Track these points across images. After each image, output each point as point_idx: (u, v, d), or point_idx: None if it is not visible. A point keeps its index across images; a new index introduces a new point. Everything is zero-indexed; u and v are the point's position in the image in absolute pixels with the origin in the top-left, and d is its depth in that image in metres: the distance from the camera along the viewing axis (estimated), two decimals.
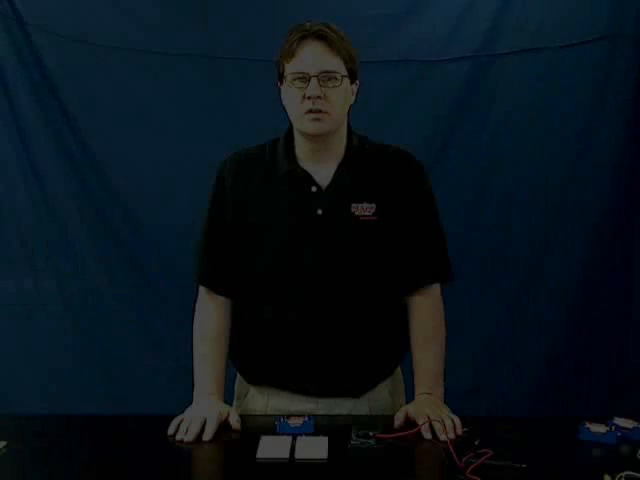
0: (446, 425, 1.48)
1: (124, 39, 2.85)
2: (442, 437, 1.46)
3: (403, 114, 2.90)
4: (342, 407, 1.66)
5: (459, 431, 1.49)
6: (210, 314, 1.70)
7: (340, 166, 1.63)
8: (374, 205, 1.61)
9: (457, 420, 1.52)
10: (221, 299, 1.70)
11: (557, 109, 2.86)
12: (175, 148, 2.88)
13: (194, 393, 1.64)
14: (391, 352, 1.74)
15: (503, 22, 2.86)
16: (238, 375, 1.79)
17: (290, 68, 1.55)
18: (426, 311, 1.69)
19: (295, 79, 1.54)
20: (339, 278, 1.62)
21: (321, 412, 1.64)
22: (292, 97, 1.56)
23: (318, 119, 1.54)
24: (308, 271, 1.62)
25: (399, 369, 1.80)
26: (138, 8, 2.87)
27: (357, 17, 2.84)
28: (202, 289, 1.72)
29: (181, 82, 2.90)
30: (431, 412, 1.53)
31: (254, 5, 2.87)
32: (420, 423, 1.50)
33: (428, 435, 1.48)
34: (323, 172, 1.63)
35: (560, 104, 2.86)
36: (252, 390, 1.74)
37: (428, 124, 2.91)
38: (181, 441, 1.47)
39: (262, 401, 1.71)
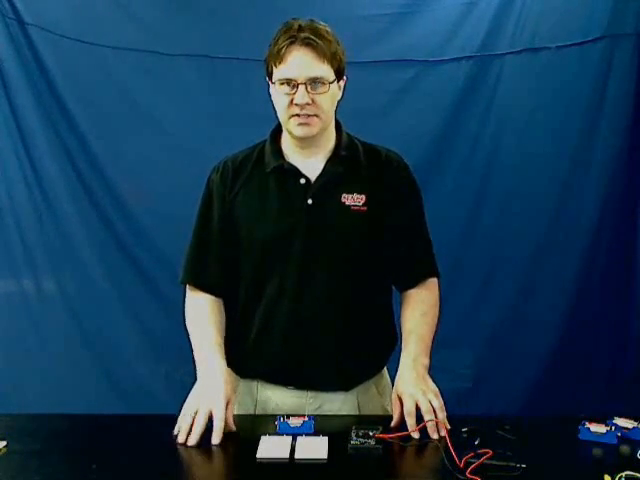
0: (433, 408, 1.47)
1: (124, 39, 2.86)
2: (434, 436, 1.44)
3: (403, 114, 2.90)
4: (332, 402, 1.67)
5: (443, 414, 1.48)
6: (202, 306, 1.70)
7: (330, 158, 1.66)
8: (364, 196, 1.64)
9: (440, 401, 1.50)
10: (211, 297, 1.71)
11: (557, 109, 2.87)
12: (175, 148, 2.88)
13: (195, 354, 1.62)
14: (380, 345, 1.75)
15: (503, 22, 2.87)
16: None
17: (278, 73, 1.57)
18: (421, 295, 1.71)
19: (283, 84, 1.57)
20: (330, 267, 1.63)
21: (311, 407, 1.65)
22: (280, 100, 1.59)
23: (306, 124, 1.58)
24: (298, 260, 1.62)
25: (385, 369, 1.80)
26: (138, 8, 2.87)
27: (357, 17, 2.85)
28: (189, 291, 1.73)
29: (181, 82, 2.91)
30: (415, 391, 1.50)
31: (254, 5, 2.87)
32: (406, 404, 1.48)
33: (416, 435, 1.45)
34: (311, 166, 1.65)
35: (560, 104, 2.86)
36: (241, 384, 1.74)
37: (428, 124, 2.92)
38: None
39: (250, 397, 1.71)
